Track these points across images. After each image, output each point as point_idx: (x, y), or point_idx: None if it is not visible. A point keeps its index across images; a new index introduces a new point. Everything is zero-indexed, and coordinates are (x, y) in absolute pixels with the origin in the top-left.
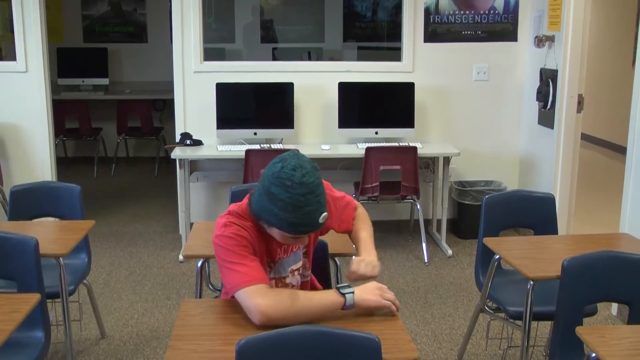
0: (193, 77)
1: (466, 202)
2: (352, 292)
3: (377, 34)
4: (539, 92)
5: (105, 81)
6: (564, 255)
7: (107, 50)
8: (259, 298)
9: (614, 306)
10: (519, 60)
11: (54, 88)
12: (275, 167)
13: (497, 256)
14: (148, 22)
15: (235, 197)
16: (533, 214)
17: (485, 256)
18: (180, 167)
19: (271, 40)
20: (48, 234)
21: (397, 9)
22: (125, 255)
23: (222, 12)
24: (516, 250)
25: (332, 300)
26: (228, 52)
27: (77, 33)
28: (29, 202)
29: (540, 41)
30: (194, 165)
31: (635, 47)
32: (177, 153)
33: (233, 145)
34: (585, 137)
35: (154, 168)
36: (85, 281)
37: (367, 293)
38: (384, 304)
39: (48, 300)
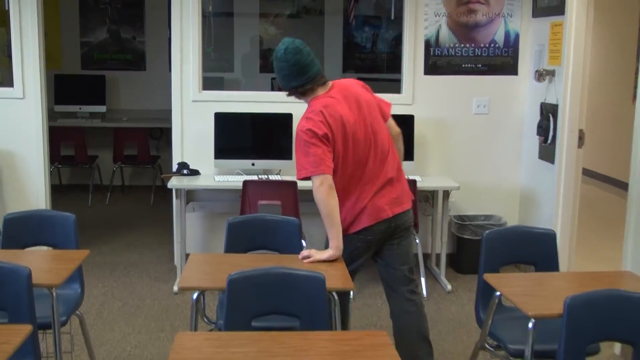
0: (191, 106)
1: (466, 237)
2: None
3: (376, 65)
4: (539, 126)
5: (102, 109)
6: (566, 293)
7: (105, 78)
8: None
9: (617, 345)
10: (520, 94)
11: (51, 115)
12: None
13: (498, 293)
14: (147, 50)
15: (232, 229)
16: (534, 249)
17: (486, 292)
18: (176, 197)
19: (270, 70)
20: (41, 263)
21: (397, 40)
22: (119, 285)
23: (221, 41)
24: (517, 287)
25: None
26: (227, 82)
27: (75, 60)
28: (23, 230)
29: (540, 75)
30: (190, 195)
31: (635, 83)
32: (174, 182)
33: (230, 176)
34: (586, 172)
35: (149, 197)
36: (77, 312)
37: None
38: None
39: (39, 332)
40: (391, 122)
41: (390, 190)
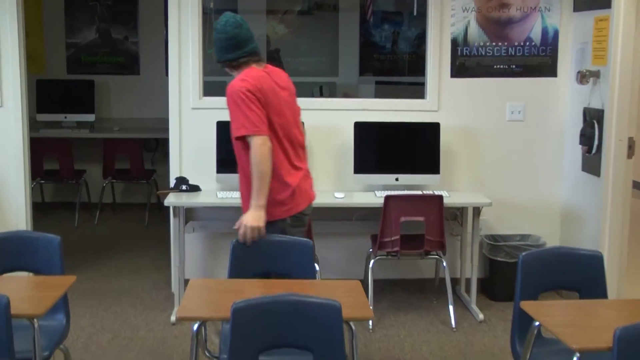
0: (191, 114)
1: (499, 259)
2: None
3: (397, 67)
4: (582, 134)
5: (90, 117)
6: (616, 323)
7: (94, 83)
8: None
9: None
10: (559, 98)
11: (32, 125)
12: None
13: (537, 323)
14: (141, 51)
15: (237, 251)
16: (578, 274)
17: (523, 322)
18: (174, 216)
19: None
20: (21, 291)
21: (420, 39)
22: (109, 315)
23: None
24: (559, 317)
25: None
26: None
27: (60, 63)
28: (0, 254)
29: (583, 77)
30: (190, 214)
31: None
32: (171, 200)
33: (235, 192)
34: (637, 186)
35: (144, 216)
36: (62, 346)
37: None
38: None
39: None
40: (302, 125)
41: (309, 177)
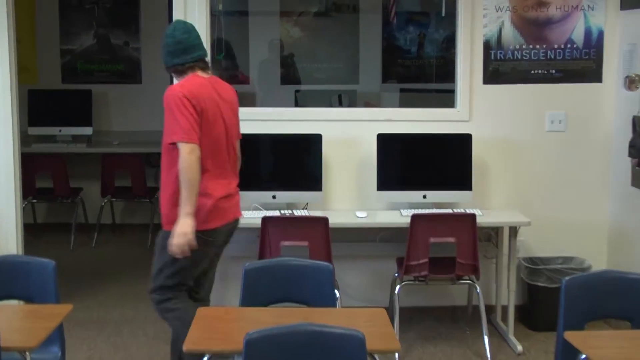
0: None
1: (539, 285)
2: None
3: (424, 73)
4: (631, 145)
5: (88, 130)
6: None
7: (92, 93)
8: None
9: None
10: (605, 106)
11: (24, 139)
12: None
13: (584, 356)
14: (142, 58)
15: (250, 277)
16: (628, 301)
17: (567, 355)
18: None
19: (293, 82)
20: (12, 321)
21: (449, 42)
22: (109, 347)
23: (234, 47)
24: (608, 349)
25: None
26: (241, 96)
27: (55, 72)
28: None
29: (632, 82)
30: None
31: None
32: None
33: (246, 212)
34: None
35: (146, 238)
36: None
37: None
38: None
39: None
40: (238, 144)
41: (235, 196)
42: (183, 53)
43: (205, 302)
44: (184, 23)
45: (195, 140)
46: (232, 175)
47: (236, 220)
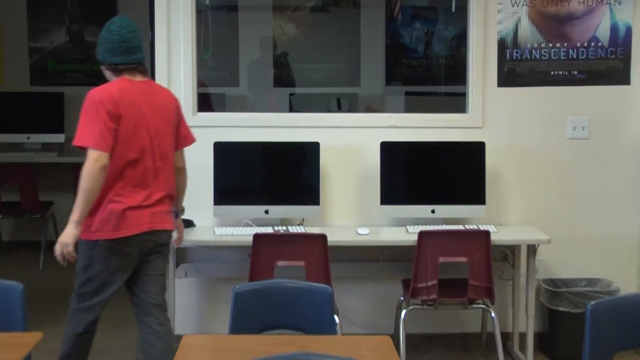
0: None
1: (561, 310)
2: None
3: (432, 74)
4: None
5: (59, 138)
6: None
7: (64, 96)
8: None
9: None
10: (633, 110)
11: None
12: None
13: None
14: None
15: (241, 300)
16: None
17: None
18: None
19: (287, 84)
20: None
21: (460, 40)
22: None
23: (222, 45)
24: None
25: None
26: (230, 100)
27: (22, 73)
28: None
29: None
30: (181, 255)
31: None
32: None
33: (236, 228)
34: None
35: None
36: None
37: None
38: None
39: None
40: (180, 153)
41: (155, 207)
42: (125, 53)
43: (158, 307)
44: (130, 21)
45: (103, 148)
46: (158, 186)
47: (153, 232)
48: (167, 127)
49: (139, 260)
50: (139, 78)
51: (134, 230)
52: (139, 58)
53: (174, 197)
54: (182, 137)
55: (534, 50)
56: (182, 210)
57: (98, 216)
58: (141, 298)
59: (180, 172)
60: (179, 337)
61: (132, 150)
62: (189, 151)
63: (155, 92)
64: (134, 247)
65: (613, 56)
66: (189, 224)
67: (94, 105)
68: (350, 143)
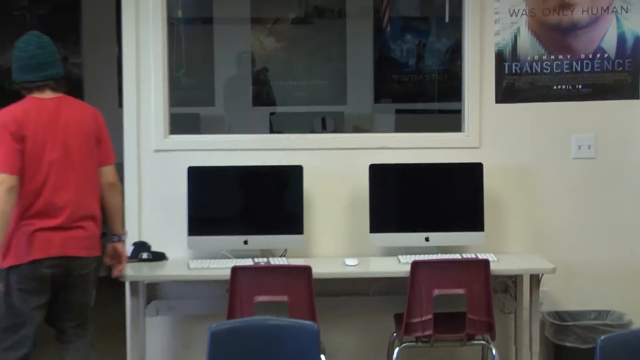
0: (153, 158)
1: (568, 345)
2: None
3: (424, 90)
4: None
5: None
6: None
7: None
8: None
9: None
10: None
11: None
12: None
13: None
14: (85, 76)
15: (217, 340)
16: None
17: None
18: (131, 294)
19: (268, 102)
20: None
21: (454, 53)
22: None
23: (196, 62)
24: None
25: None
26: (205, 121)
27: None
28: None
29: None
30: (152, 291)
31: None
32: (128, 272)
33: (212, 261)
34: None
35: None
36: None
37: None
38: None
39: None
40: (108, 169)
41: (73, 232)
42: (34, 70)
43: (79, 329)
44: (39, 37)
45: (7, 170)
46: (74, 206)
47: (65, 258)
48: (84, 143)
49: (57, 285)
50: (48, 95)
51: (44, 253)
52: (48, 75)
53: (99, 219)
54: (104, 150)
55: (534, 63)
56: (124, 234)
57: (10, 240)
58: (59, 327)
59: (111, 189)
60: None
61: (42, 169)
62: (161, 177)
63: (69, 108)
64: (47, 271)
65: (620, 68)
66: (160, 256)
67: None
68: (336, 166)
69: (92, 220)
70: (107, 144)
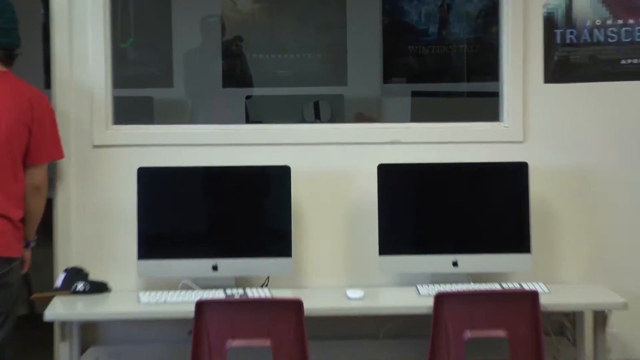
0: (91, 155)
1: None
2: None
3: (449, 66)
4: None
5: None
6: None
7: None
8: None
9: None
10: None
11: None
12: None
13: None
14: None
15: None
16: None
17: None
18: (62, 339)
19: (242, 82)
20: None
21: (489, 16)
22: None
23: (149, 29)
24: None
25: None
26: (161, 106)
27: None
28: None
29: None
30: (90, 333)
31: None
32: (57, 310)
33: (170, 293)
34: None
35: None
36: None
37: None
38: None
39: None
40: (37, 170)
41: None
42: None
43: None
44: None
45: None
46: None
47: None
48: (16, 129)
49: None
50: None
51: None
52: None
53: (12, 220)
54: (36, 149)
55: (596, 30)
56: (34, 240)
57: None
58: None
59: (34, 193)
60: None
61: None
62: (102, 181)
63: (0, 87)
64: None
65: None
66: (100, 287)
67: None
68: (334, 167)
69: (8, 220)
70: (43, 139)
